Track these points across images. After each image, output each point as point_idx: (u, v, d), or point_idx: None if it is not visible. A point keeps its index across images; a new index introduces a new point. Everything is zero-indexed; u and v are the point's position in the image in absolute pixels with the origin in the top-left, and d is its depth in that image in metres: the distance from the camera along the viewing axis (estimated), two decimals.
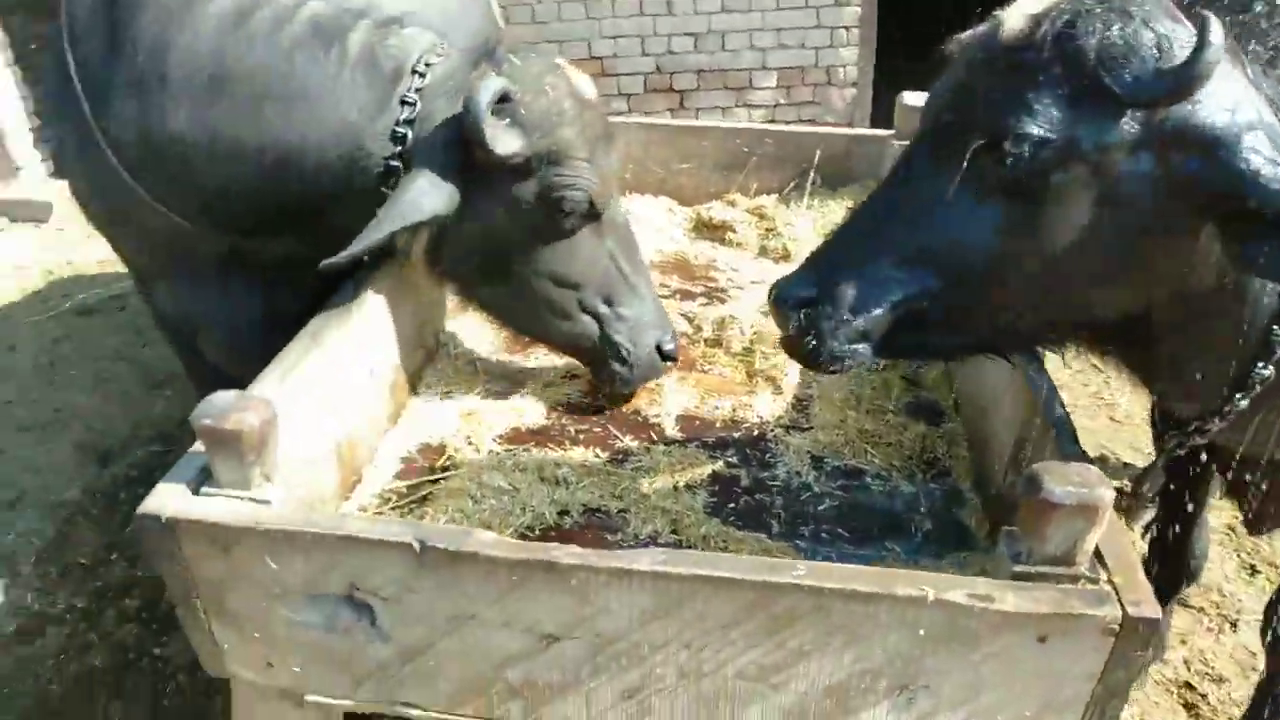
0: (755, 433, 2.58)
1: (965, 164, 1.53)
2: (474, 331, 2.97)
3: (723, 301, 3.24)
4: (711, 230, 3.70)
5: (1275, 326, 1.64)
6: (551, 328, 2.57)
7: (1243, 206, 1.42)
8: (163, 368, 4.56)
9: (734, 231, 3.64)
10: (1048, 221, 1.53)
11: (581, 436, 2.54)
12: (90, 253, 5.62)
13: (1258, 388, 1.68)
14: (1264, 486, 2.09)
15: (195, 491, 1.74)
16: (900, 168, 1.70)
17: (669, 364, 2.64)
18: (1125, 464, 3.89)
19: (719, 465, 2.44)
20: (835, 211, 3.64)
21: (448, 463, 2.39)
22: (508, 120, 2.21)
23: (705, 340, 2.97)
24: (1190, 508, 2.53)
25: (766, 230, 3.63)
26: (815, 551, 2.14)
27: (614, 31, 6.31)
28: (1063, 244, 1.54)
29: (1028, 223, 1.54)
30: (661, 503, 2.27)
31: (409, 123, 2.24)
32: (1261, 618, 2.51)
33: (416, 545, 1.62)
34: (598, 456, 2.45)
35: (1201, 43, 1.38)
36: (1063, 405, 1.98)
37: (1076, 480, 1.47)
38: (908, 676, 1.58)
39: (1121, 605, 1.47)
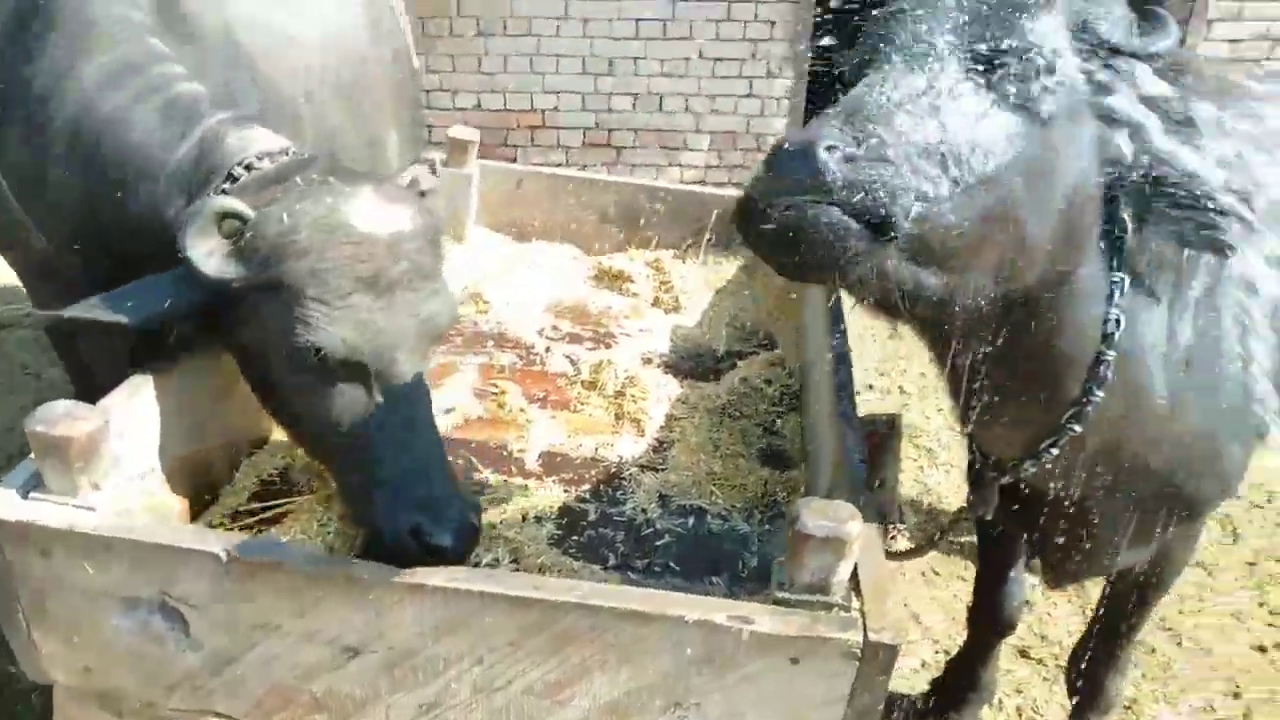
0: (612, 470, 2.69)
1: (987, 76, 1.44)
2: None
3: (608, 346, 3.37)
4: (611, 280, 3.84)
5: (1104, 349, 1.68)
6: (326, 463, 2.23)
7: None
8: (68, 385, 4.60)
9: (631, 282, 3.79)
10: (1047, 142, 1.48)
11: None
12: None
13: (1089, 410, 1.71)
14: (1061, 540, 2.20)
15: (24, 496, 1.81)
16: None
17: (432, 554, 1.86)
18: None
19: (571, 499, 2.54)
20: (727, 270, 3.81)
21: (303, 486, 2.47)
22: (234, 242, 2.01)
23: (582, 382, 3.09)
24: (1002, 557, 2.65)
25: (661, 283, 3.78)
26: (642, 583, 2.24)
27: (557, 87, 6.54)
28: (1045, 171, 1.49)
29: (1027, 141, 1.45)
30: (506, 532, 2.36)
31: None
32: None
33: (223, 555, 1.71)
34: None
35: (1168, 28, 1.55)
36: (863, 459, 2.12)
37: (830, 516, 1.60)
38: (679, 695, 1.68)
39: (865, 631, 1.59)
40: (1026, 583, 2.83)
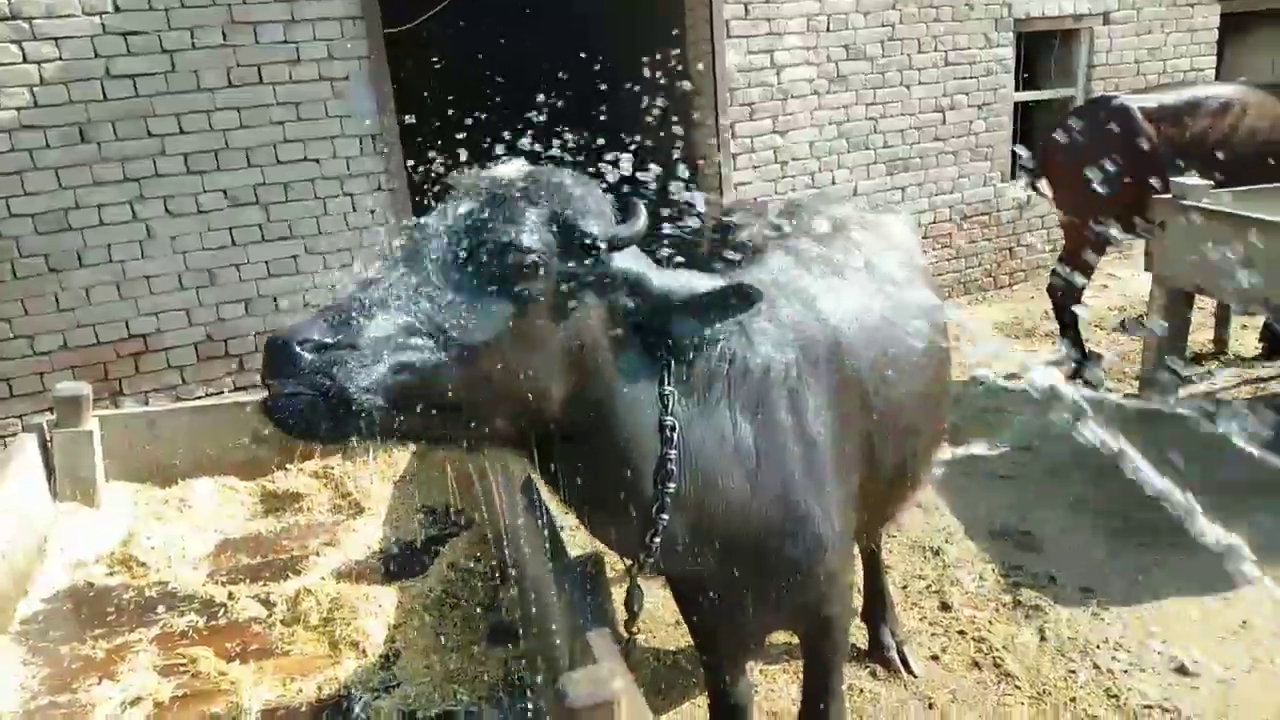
0: (345, 706, 2.53)
1: (479, 263, 1.73)
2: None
3: (299, 574, 3.18)
4: (280, 502, 3.65)
5: (665, 450, 1.99)
6: None
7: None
8: None
9: (304, 498, 3.63)
10: (530, 318, 1.76)
11: None
12: None
13: (667, 501, 2.01)
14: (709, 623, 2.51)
15: None
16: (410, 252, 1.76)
17: None
18: None
19: None
20: (401, 459, 3.80)
21: None
22: None
23: (281, 620, 2.88)
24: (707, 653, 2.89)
25: (336, 490, 3.67)
26: None
27: (153, 308, 6.11)
28: (534, 338, 1.77)
29: (513, 319, 1.74)
30: None
31: None
32: None
33: None
34: None
35: (639, 215, 1.91)
36: (591, 612, 2.24)
37: (593, 681, 1.69)
38: None
39: None
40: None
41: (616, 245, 1.88)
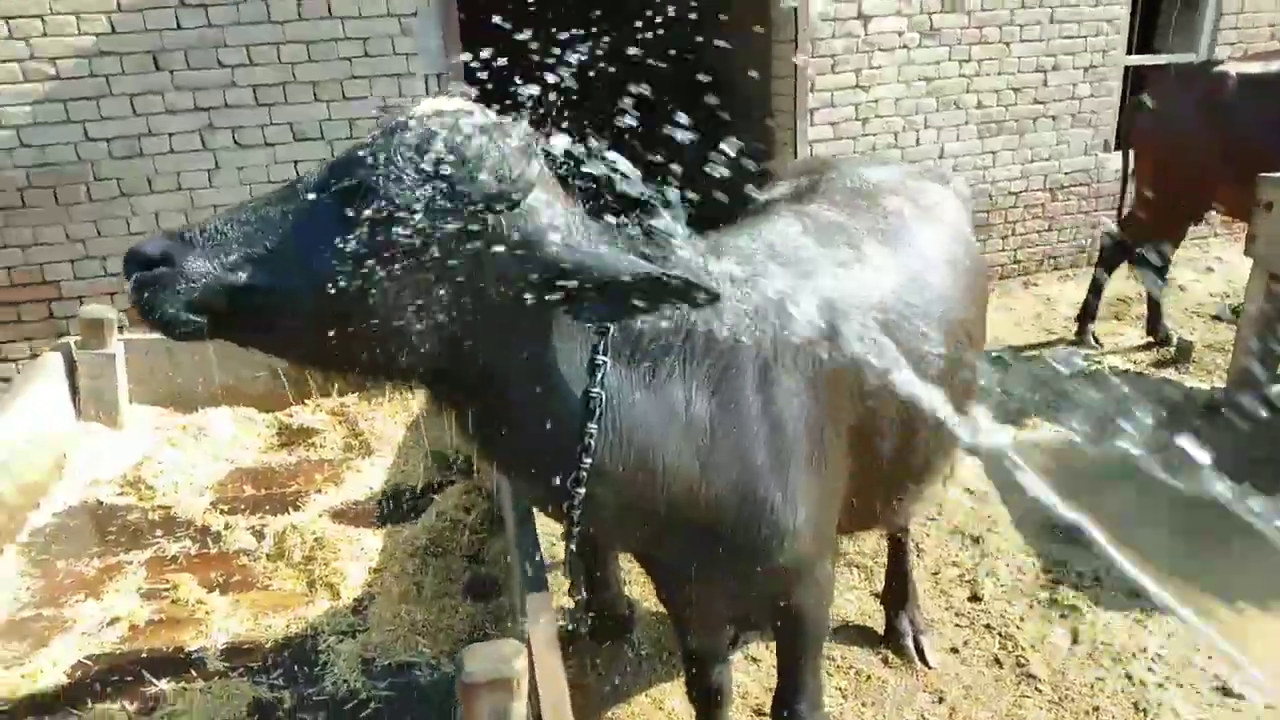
0: (307, 645, 2.54)
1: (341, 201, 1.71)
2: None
3: (298, 509, 3.21)
4: (294, 436, 3.69)
5: (588, 422, 1.86)
6: None
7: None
8: None
9: (317, 434, 3.66)
10: (370, 258, 1.70)
11: (109, 689, 2.36)
12: None
13: (583, 474, 1.89)
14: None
15: None
16: (287, 191, 1.82)
17: None
18: None
19: (262, 690, 2.36)
20: (416, 403, 3.79)
21: None
22: None
23: (266, 555, 2.92)
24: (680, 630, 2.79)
25: (350, 430, 3.68)
26: None
27: None
28: (374, 279, 1.71)
29: (352, 258, 1.69)
30: None
31: None
32: None
33: None
34: (124, 710, 2.28)
35: (527, 170, 1.74)
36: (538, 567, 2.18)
37: (493, 657, 1.61)
38: None
39: None
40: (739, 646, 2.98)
41: (490, 200, 1.71)
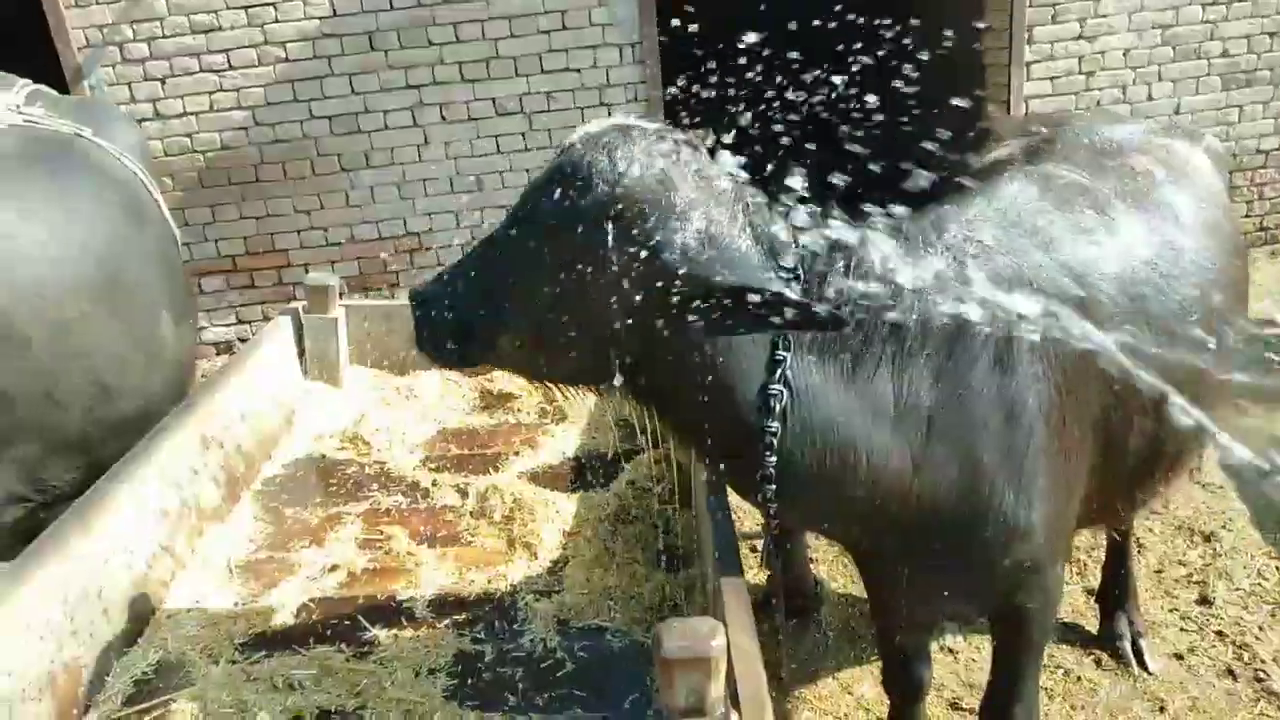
0: (507, 602, 2.63)
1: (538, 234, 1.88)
2: (236, 529, 2.97)
3: (497, 470, 3.33)
4: (495, 400, 3.83)
5: (767, 421, 1.84)
6: None
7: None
8: None
9: (516, 398, 3.78)
10: (556, 278, 1.86)
11: (329, 632, 2.54)
12: None
13: (770, 472, 1.87)
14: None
15: None
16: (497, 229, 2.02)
17: None
18: None
19: (465, 642, 2.47)
20: None
21: (182, 680, 2.35)
22: None
23: (470, 512, 3.04)
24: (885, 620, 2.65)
25: (546, 395, 3.78)
26: None
27: (428, 209, 6.60)
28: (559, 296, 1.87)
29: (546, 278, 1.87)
30: (399, 693, 2.28)
31: None
32: None
33: None
34: (341, 651, 2.45)
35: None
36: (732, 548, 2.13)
37: (691, 636, 1.58)
38: None
39: None
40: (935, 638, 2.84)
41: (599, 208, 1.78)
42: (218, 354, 6.70)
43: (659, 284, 1.78)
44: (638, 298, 1.80)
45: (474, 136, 6.50)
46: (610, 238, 1.76)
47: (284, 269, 6.61)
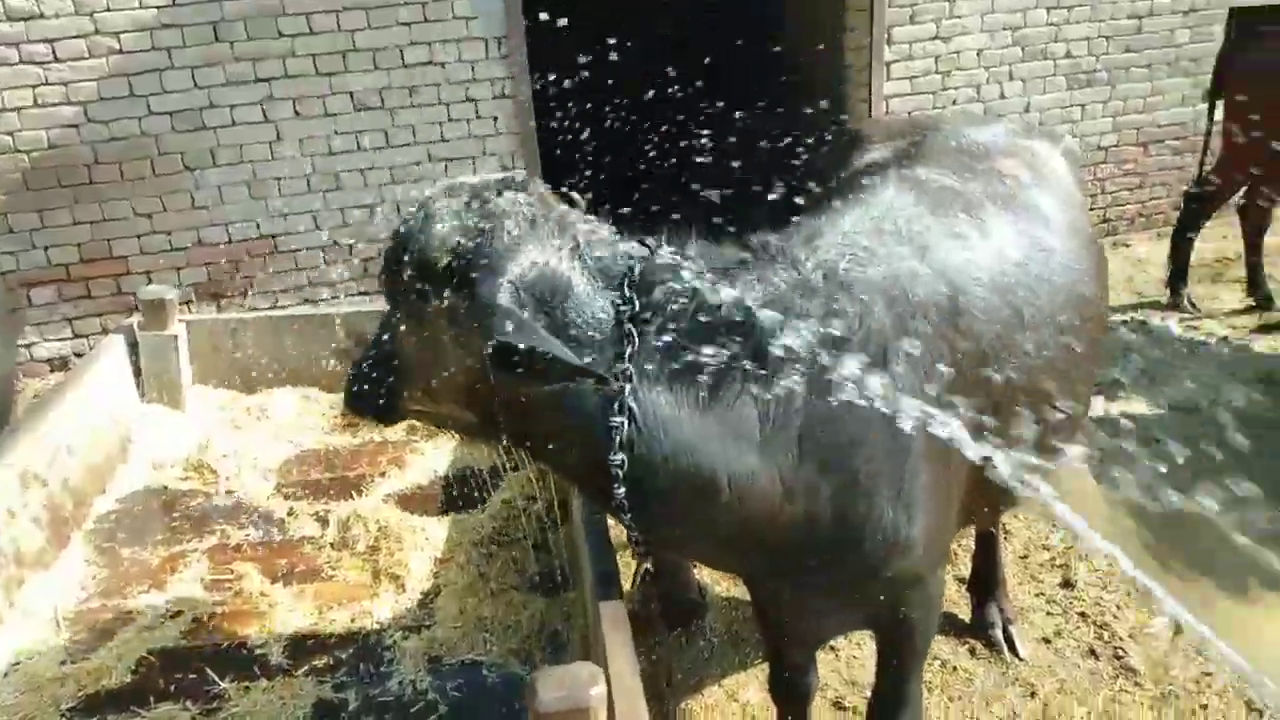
0: (372, 642, 2.46)
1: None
2: (64, 574, 2.67)
3: (361, 494, 3.13)
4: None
5: (611, 454, 1.80)
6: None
7: None
8: None
9: None
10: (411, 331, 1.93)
11: (172, 688, 2.30)
12: None
13: (619, 490, 1.82)
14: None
15: None
16: None
17: None
18: None
19: (326, 690, 2.29)
20: None
21: None
22: None
23: (330, 543, 2.84)
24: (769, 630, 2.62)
25: None
26: None
27: (282, 210, 6.23)
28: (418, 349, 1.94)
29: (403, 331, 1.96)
30: None
31: None
32: None
33: None
34: (187, 710, 2.23)
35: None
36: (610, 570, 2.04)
37: (569, 683, 1.47)
38: None
39: None
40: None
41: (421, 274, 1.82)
42: (52, 371, 6.14)
43: (487, 344, 1.75)
44: (469, 360, 1.81)
45: (331, 132, 6.16)
46: (429, 304, 1.82)
47: (123, 277, 6.09)
